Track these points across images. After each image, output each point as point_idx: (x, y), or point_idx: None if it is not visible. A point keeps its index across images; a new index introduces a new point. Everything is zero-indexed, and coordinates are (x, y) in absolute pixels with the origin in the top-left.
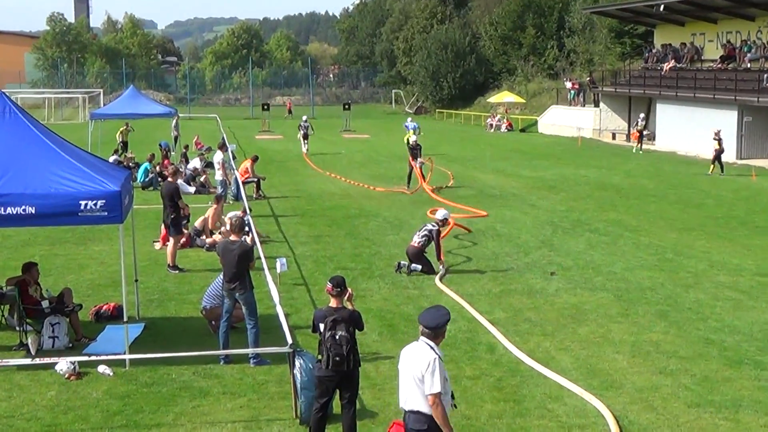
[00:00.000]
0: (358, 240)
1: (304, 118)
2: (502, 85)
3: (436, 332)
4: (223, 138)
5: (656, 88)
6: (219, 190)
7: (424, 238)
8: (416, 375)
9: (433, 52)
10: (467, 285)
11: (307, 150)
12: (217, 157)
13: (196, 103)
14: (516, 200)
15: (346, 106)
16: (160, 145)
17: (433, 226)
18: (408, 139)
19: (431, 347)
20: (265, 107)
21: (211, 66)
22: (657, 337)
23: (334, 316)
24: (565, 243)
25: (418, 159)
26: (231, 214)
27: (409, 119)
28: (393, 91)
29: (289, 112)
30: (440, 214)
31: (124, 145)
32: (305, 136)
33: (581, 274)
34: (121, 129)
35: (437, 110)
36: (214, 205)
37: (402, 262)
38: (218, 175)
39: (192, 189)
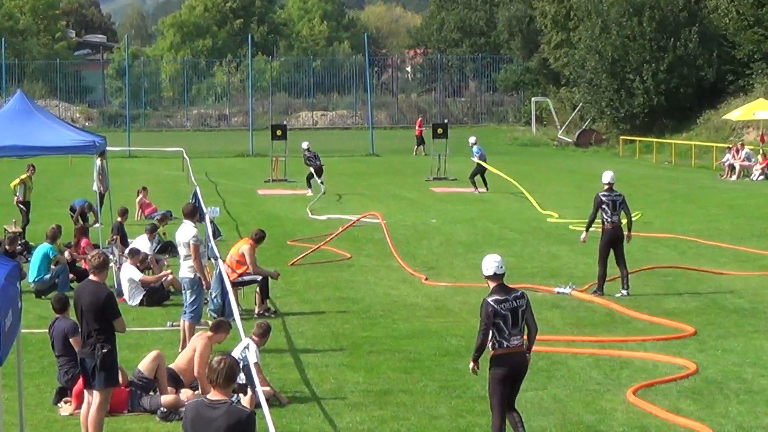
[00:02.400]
0: (464, 400)
1: (306, 145)
2: (754, 86)
3: None
4: (194, 195)
5: None
6: (187, 298)
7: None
8: None
9: (614, 22)
10: None
11: (323, 190)
12: (185, 233)
13: (143, 124)
14: None
15: (440, 131)
16: (71, 209)
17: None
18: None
19: None
20: (279, 133)
21: (171, 52)
22: None
23: None
24: None
25: None
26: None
27: (472, 139)
28: (533, 100)
29: (420, 142)
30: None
31: (25, 207)
32: (318, 171)
33: None
34: (22, 176)
35: (621, 138)
36: (209, 334)
37: None
38: (185, 270)
39: (131, 298)
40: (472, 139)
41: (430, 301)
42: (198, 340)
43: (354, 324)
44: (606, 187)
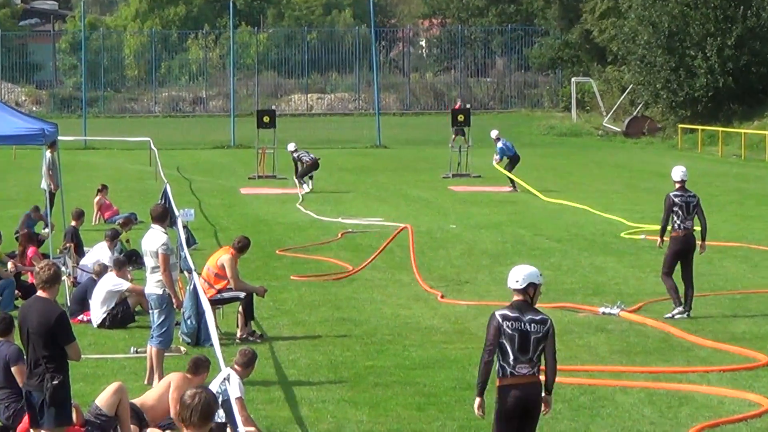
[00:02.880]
0: None
1: (292, 146)
2: None
3: None
4: (164, 195)
5: None
6: (155, 319)
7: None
8: None
9: None
10: None
11: (310, 188)
12: (152, 240)
13: (102, 108)
14: None
15: (460, 119)
16: (16, 232)
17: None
18: None
19: None
20: (267, 120)
21: (137, 22)
22: None
23: None
24: None
25: None
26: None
27: (495, 132)
28: (574, 80)
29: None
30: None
31: None
32: (314, 165)
33: None
34: None
35: (680, 126)
36: (189, 376)
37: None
38: (153, 285)
39: (99, 314)
40: (494, 133)
41: (449, 324)
42: (174, 377)
43: (356, 351)
44: (677, 185)
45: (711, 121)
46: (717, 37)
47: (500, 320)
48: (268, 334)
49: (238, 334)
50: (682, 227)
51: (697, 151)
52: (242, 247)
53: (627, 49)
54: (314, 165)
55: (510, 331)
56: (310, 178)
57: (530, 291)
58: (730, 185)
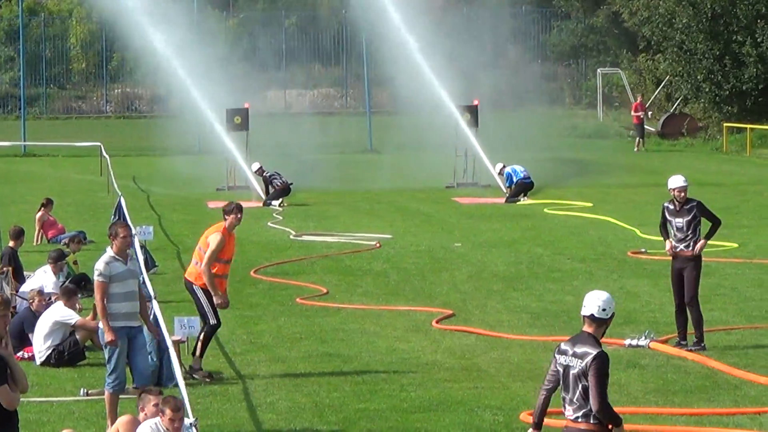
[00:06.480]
0: None
1: (257, 166)
2: None
3: None
4: (118, 209)
5: None
6: (106, 357)
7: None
8: None
9: None
10: None
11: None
12: (106, 267)
13: (45, 108)
14: None
15: (467, 117)
16: None
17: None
18: None
19: None
20: (238, 120)
21: (84, 7)
22: None
23: None
24: None
25: None
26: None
27: (499, 166)
28: (600, 72)
29: (641, 133)
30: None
31: None
32: (285, 190)
33: None
34: None
35: (725, 125)
36: (135, 418)
37: None
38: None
39: (43, 350)
40: (498, 166)
41: (454, 359)
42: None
43: (346, 391)
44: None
45: (762, 119)
46: None
47: (555, 353)
48: (242, 371)
49: (192, 362)
50: None
51: (745, 154)
52: (230, 210)
53: (663, 34)
54: (285, 190)
55: (557, 367)
56: (281, 205)
57: (598, 322)
58: None
